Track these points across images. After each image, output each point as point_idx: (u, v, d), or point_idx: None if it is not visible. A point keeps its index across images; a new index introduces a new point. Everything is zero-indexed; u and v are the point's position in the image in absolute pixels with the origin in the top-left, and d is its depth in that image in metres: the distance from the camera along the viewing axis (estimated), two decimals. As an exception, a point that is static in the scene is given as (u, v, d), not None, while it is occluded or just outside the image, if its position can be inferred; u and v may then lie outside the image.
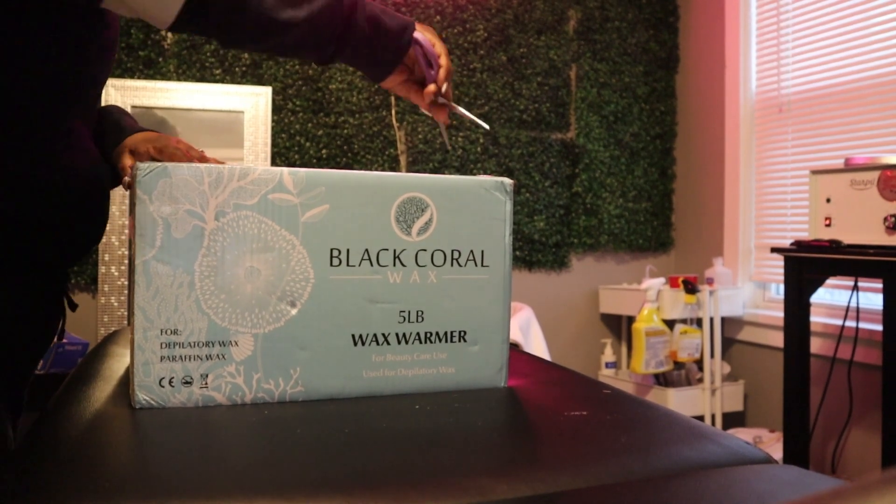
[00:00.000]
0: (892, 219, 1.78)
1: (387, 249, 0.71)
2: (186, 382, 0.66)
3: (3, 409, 0.77)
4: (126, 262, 2.36)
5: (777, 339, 2.61)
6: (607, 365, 3.00)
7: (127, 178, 0.89)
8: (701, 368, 2.72)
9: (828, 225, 1.95)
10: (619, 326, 3.08)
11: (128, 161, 0.92)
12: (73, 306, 0.91)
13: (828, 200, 1.96)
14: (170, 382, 0.65)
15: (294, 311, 0.68)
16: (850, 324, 2.24)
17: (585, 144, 3.00)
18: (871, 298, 2.29)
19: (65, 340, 2.04)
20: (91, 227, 0.85)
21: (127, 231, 2.32)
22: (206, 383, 0.66)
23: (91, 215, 0.84)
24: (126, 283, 2.37)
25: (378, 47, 0.90)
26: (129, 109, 2.40)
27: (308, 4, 0.80)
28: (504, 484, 0.50)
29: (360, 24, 0.85)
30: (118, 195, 2.34)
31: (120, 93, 2.40)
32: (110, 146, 0.95)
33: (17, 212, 0.73)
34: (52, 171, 0.76)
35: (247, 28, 0.78)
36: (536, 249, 2.93)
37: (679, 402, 2.63)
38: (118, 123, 0.99)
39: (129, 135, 0.96)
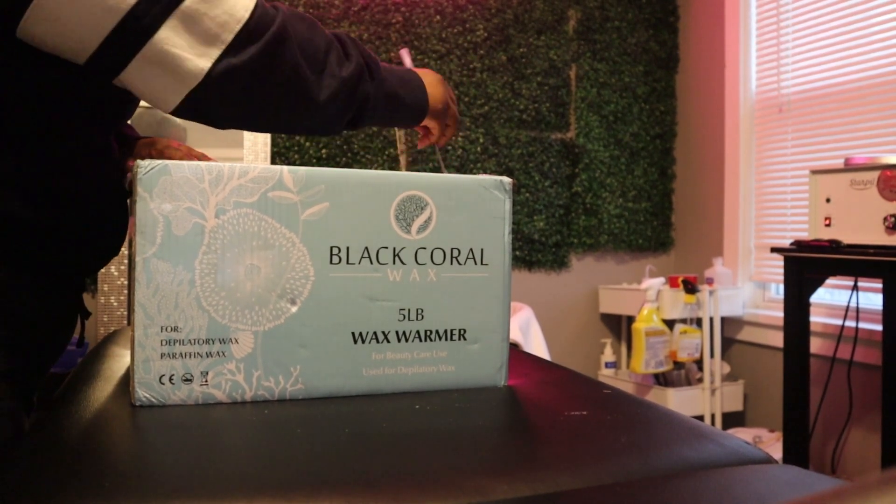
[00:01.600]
0: (892, 219, 1.78)
1: (386, 247, 0.71)
2: (186, 380, 0.66)
3: (20, 407, 0.78)
4: (126, 261, 2.36)
5: (777, 339, 2.60)
6: (607, 365, 3.00)
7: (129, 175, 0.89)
8: (701, 368, 2.72)
9: (828, 225, 1.95)
10: (619, 326, 3.08)
11: (129, 164, 0.92)
12: (87, 314, 0.91)
13: (828, 200, 1.96)
14: (170, 379, 0.65)
15: (294, 309, 0.68)
16: (850, 324, 2.24)
17: (585, 144, 3.00)
18: (871, 298, 2.29)
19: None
20: (113, 236, 0.85)
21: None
22: (207, 381, 0.66)
23: (114, 225, 0.85)
24: (126, 282, 2.37)
25: (395, 120, 0.94)
26: (129, 108, 2.40)
27: (324, 90, 0.78)
28: (504, 484, 0.50)
29: (377, 103, 0.87)
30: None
31: (120, 92, 2.40)
32: None
33: (43, 221, 0.73)
34: (84, 183, 0.77)
35: (249, 113, 0.76)
36: (536, 249, 2.93)
37: (679, 402, 2.63)
38: (120, 132, 1.00)
39: (130, 141, 0.98)
